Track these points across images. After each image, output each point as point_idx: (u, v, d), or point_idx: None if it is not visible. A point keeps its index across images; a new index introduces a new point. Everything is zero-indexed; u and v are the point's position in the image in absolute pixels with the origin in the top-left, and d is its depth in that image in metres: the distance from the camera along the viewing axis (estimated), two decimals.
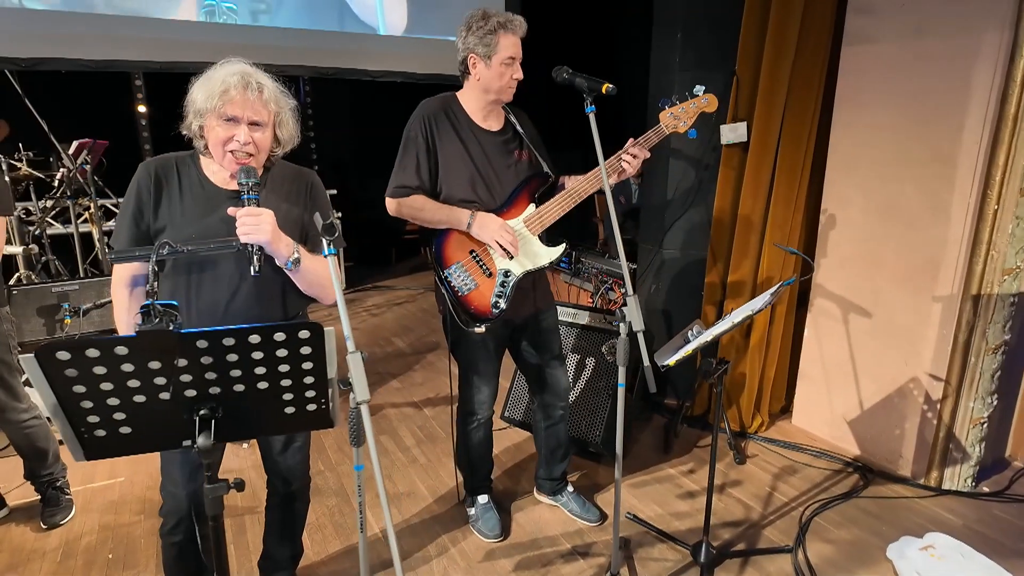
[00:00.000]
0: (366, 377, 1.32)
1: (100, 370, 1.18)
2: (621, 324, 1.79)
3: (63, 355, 1.13)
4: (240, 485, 1.34)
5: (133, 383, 1.22)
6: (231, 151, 1.49)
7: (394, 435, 3.22)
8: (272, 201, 1.60)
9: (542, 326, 2.25)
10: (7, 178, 4.06)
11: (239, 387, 1.30)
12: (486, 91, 2.01)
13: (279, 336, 1.24)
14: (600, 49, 6.49)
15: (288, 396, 1.35)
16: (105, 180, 4.86)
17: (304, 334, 1.25)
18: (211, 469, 1.31)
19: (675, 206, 3.30)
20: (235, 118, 1.48)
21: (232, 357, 1.24)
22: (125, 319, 1.62)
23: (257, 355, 1.26)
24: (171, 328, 1.12)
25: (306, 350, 1.28)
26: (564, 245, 2.12)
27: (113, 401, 1.23)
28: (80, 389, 1.19)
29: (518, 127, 2.13)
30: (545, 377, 2.32)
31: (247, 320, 1.60)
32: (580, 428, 2.86)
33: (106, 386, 1.20)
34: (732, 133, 3.00)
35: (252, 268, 1.43)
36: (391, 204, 2.04)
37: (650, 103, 3.35)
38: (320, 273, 1.65)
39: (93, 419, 1.25)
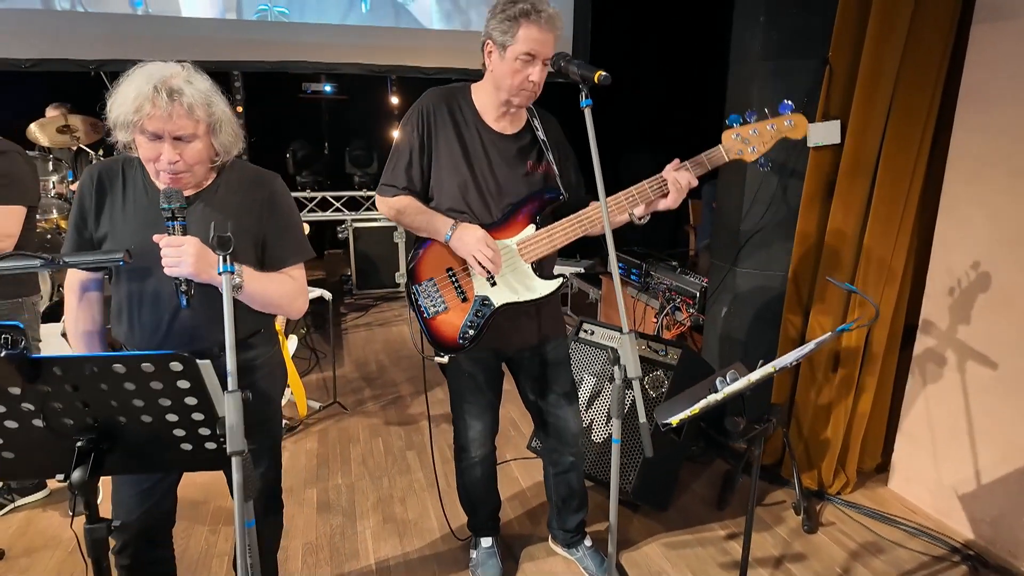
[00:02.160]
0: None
1: None
2: (615, 369, 1.45)
3: None
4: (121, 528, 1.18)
5: None
6: (162, 170, 1.35)
7: (422, 451, 3.04)
8: (217, 213, 1.45)
9: (544, 359, 1.94)
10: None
11: (121, 418, 1.14)
12: (497, 88, 1.72)
13: (147, 367, 1.07)
14: (676, 38, 5.95)
15: (179, 432, 1.18)
16: None
17: (176, 366, 1.07)
18: (89, 507, 1.16)
19: (752, 217, 2.83)
20: (157, 134, 1.32)
21: (103, 386, 1.09)
22: (71, 325, 1.54)
23: (129, 386, 1.10)
24: (2, 353, 0.98)
25: (184, 384, 1.10)
26: (561, 281, 1.79)
27: None
28: None
29: (540, 133, 1.82)
30: (548, 419, 2.00)
31: (192, 340, 1.46)
32: (610, 471, 2.50)
33: None
34: (822, 133, 2.49)
35: (181, 301, 1.27)
36: (379, 203, 1.84)
37: (728, 101, 2.90)
38: (273, 291, 1.48)
39: None
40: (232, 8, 4.64)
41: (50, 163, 4.03)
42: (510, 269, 1.74)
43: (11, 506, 2.50)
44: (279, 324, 3.19)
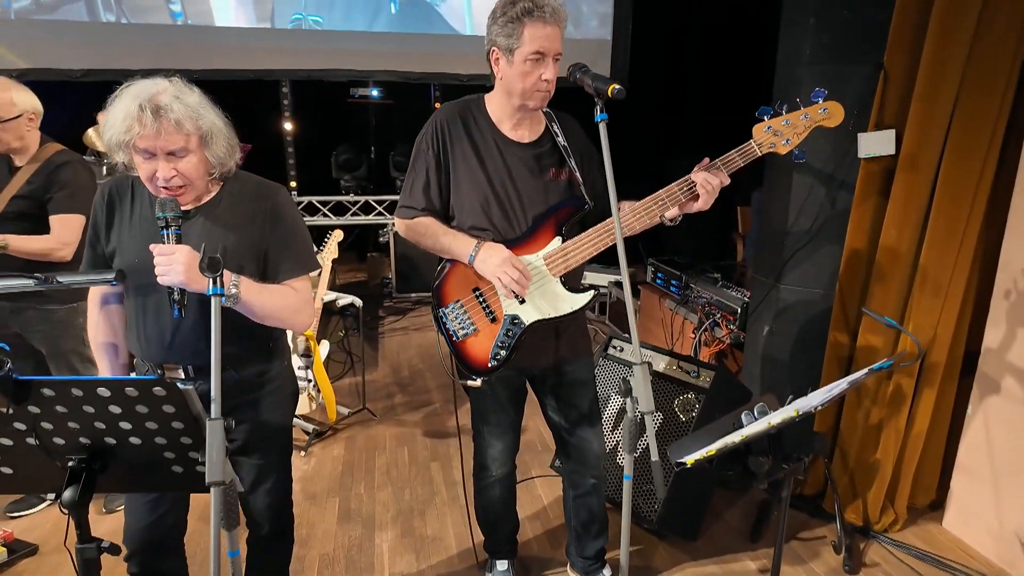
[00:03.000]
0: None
1: None
2: (628, 401, 1.35)
3: None
4: (113, 550, 1.18)
5: None
6: (162, 187, 1.35)
7: (446, 464, 3.00)
8: (217, 227, 1.44)
9: (567, 379, 1.86)
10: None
11: (110, 440, 1.14)
12: (509, 94, 1.65)
13: (131, 391, 1.05)
14: (720, 41, 5.71)
15: (169, 455, 1.17)
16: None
17: (159, 391, 1.05)
18: (80, 527, 1.16)
19: (798, 232, 2.65)
20: (149, 152, 1.32)
21: (88, 409, 1.08)
22: (92, 336, 1.57)
23: (115, 409, 1.09)
24: None
25: (169, 408, 1.08)
26: (592, 294, 1.71)
27: None
28: None
29: (560, 139, 1.73)
30: (570, 440, 1.92)
31: (195, 354, 1.46)
32: (633, 496, 2.39)
33: None
34: (875, 143, 2.31)
35: (174, 311, 1.26)
36: (398, 225, 1.79)
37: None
38: (274, 304, 1.46)
39: None
40: (265, 18, 4.75)
41: (104, 167, 4.21)
42: (538, 285, 1.67)
43: (46, 503, 2.59)
44: (310, 330, 3.22)
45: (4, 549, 2.23)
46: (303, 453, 3.09)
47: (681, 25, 5.79)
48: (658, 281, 4.29)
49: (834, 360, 2.51)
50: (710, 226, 6.17)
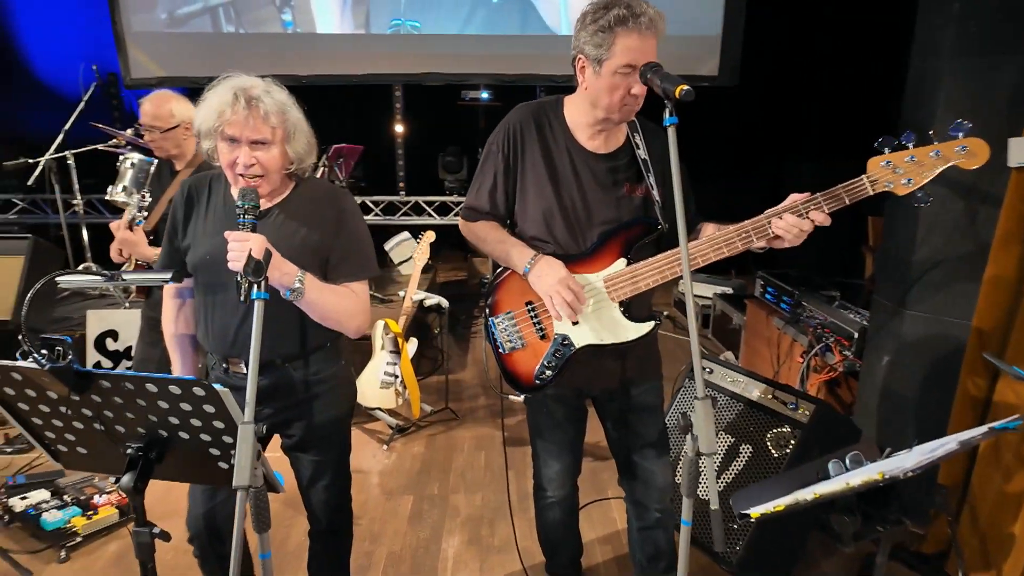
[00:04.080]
0: None
1: (31, 393, 1.17)
2: (688, 439, 1.21)
3: None
4: (164, 536, 1.23)
5: (64, 409, 1.19)
6: (239, 174, 1.41)
7: (521, 474, 2.92)
8: (289, 225, 1.49)
9: (632, 404, 1.72)
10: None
11: (163, 432, 1.19)
12: (593, 105, 1.54)
13: (174, 389, 1.09)
14: (847, 32, 5.10)
15: (214, 451, 1.21)
16: (366, 181, 5.60)
17: (198, 391, 1.08)
18: (137, 511, 1.23)
19: (928, 250, 2.31)
20: (235, 138, 1.38)
21: (140, 402, 1.14)
22: (170, 328, 1.68)
23: (163, 404, 1.13)
24: (46, 365, 1.04)
25: (210, 408, 1.11)
26: (652, 325, 1.56)
27: (57, 423, 1.23)
28: (23, 407, 1.21)
29: (641, 151, 1.60)
30: (634, 470, 1.78)
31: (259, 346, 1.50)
32: (712, 534, 2.19)
33: (44, 408, 1.20)
34: None
35: (240, 297, 1.31)
36: (461, 227, 1.74)
37: (905, 104, 2.40)
38: (333, 304, 1.48)
39: (50, 435, 1.27)
40: (362, 24, 4.94)
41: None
42: (594, 308, 1.56)
43: None
44: (398, 326, 3.30)
45: (116, 511, 2.47)
46: (385, 447, 3.17)
47: (802, 15, 5.29)
48: (767, 296, 3.95)
49: (966, 405, 2.15)
50: (835, 237, 5.59)
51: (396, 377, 3.24)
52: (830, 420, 2.19)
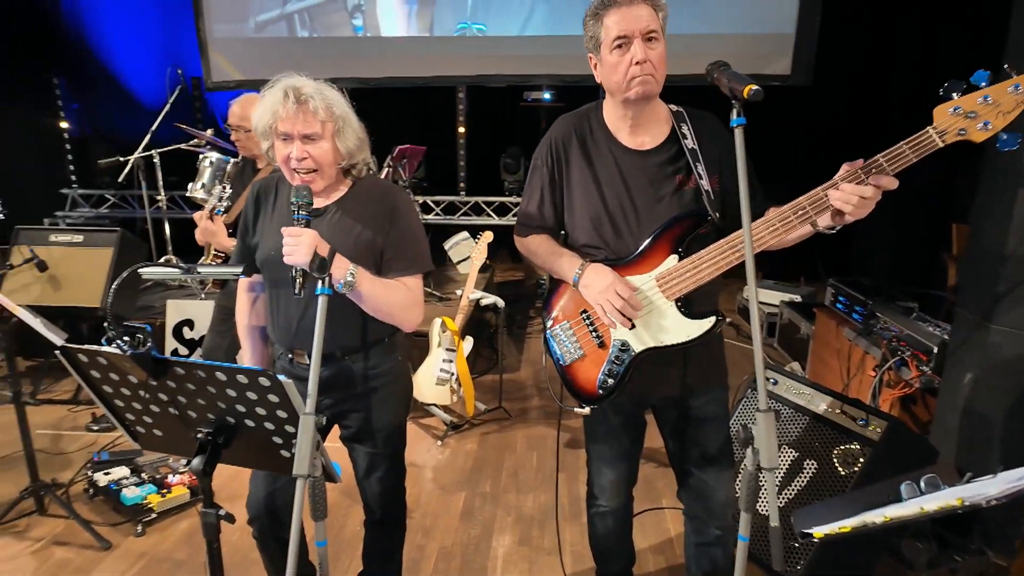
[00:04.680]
0: None
1: (115, 376, 1.25)
2: (748, 453, 1.16)
3: (82, 356, 1.23)
4: (228, 518, 1.29)
5: (143, 393, 1.27)
6: (294, 169, 1.46)
7: (573, 477, 2.91)
8: (344, 222, 1.54)
9: (693, 414, 1.66)
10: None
11: (230, 419, 1.25)
12: (612, 94, 1.53)
13: (241, 378, 1.14)
14: (933, 24, 4.74)
15: (277, 439, 1.25)
16: (428, 181, 5.70)
17: (264, 381, 1.12)
18: (204, 493, 1.29)
19: (1020, 258, 2.14)
20: (287, 135, 1.44)
21: (211, 389, 1.19)
22: (243, 320, 1.76)
23: (231, 392, 1.19)
24: (128, 351, 1.11)
25: (273, 398, 1.16)
26: (714, 320, 1.50)
27: (137, 405, 1.31)
28: (108, 388, 1.29)
29: (688, 141, 1.54)
30: (692, 482, 1.72)
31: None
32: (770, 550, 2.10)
33: (125, 391, 1.28)
34: None
35: (294, 288, 1.36)
36: (516, 242, 1.75)
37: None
38: (384, 299, 1.52)
39: (130, 416, 1.35)
40: (426, 28, 5.03)
41: None
42: (650, 309, 1.53)
43: None
44: (456, 324, 3.34)
45: (187, 491, 2.61)
46: (440, 443, 3.21)
47: (883, 12, 5.00)
48: (838, 305, 3.76)
49: None
50: (913, 245, 5.29)
51: (452, 375, 3.28)
52: (904, 439, 2.06)
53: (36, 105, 5.64)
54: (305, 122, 1.43)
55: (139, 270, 1.44)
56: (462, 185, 5.84)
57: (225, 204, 2.47)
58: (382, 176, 5.38)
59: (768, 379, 2.41)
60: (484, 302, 3.63)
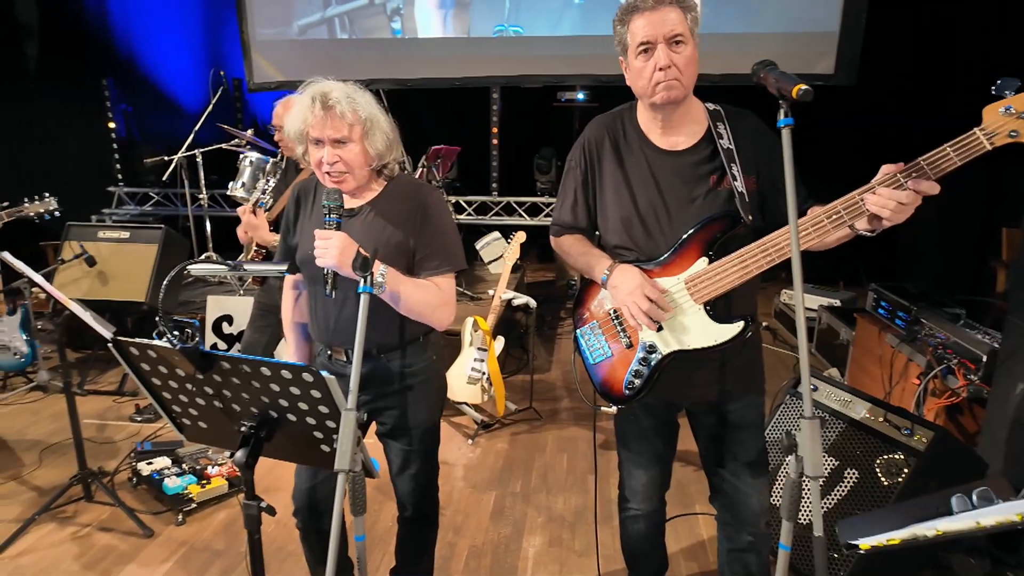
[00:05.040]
0: None
1: (163, 369, 1.29)
2: (791, 460, 1.14)
3: (133, 349, 1.27)
4: (270, 510, 1.32)
5: (190, 386, 1.30)
6: (325, 172, 1.48)
7: (604, 480, 2.86)
8: (376, 222, 1.56)
9: (728, 420, 1.64)
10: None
11: (273, 413, 1.27)
12: (640, 98, 1.53)
13: (286, 374, 1.16)
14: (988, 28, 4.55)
15: (318, 434, 1.28)
16: (461, 181, 5.74)
17: (307, 377, 1.14)
18: (247, 485, 1.32)
19: None
20: (318, 139, 1.46)
21: (255, 384, 1.22)
22: (287, 317, 1.80)
23: (275, 387, 1.21)
24: (177, 346, 1.14)
25: (316, 393, 1.18)
26: (741, 326, 1.47)
27: (183, 398, 1.35)
28: (156, 381, 1.33)
29: (724, 141, 1.51)
30: (725, 488, 1.70)
31: (353, 339, 1.58)
32: (813, 563, 2.06)
33: (173, 383, 1.32)
34: None
35: (325, 289, 1.38)
36: (552, 242, 1.76)
37: None
38: (416, 297, 1.53)
39: (176, 408, 1.39)
40: (463, 31, 5.06)
41: None
42: (679, 312, 1.51)
43: None
44: (487, 324, 3.35)
45: (226, 482, 2.67)
46: (470, 441, 3.23)
47: (934, 7, 4.84)
48: (880, 311, 3.65)
49: None
50: (961, 250, 5.10)
51: (483, 374, 3.29)
52: (951, 450, 2.00)
53: (87, 107, 5.86)
54: (333, 127, 1.45)
55: (188, 267, 1.49)
56: (494, 185, 5.86)
57: (268, 199, 2.54)
58: (416, 176, 5.44)
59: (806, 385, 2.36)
60: (516, 302, 3.64)
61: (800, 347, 1.13)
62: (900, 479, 1.98)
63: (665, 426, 1.73)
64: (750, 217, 1.47)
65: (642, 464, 1.75)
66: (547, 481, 2.88)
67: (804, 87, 1.11)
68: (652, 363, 1.54)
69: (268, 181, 2.62)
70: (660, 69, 1.41)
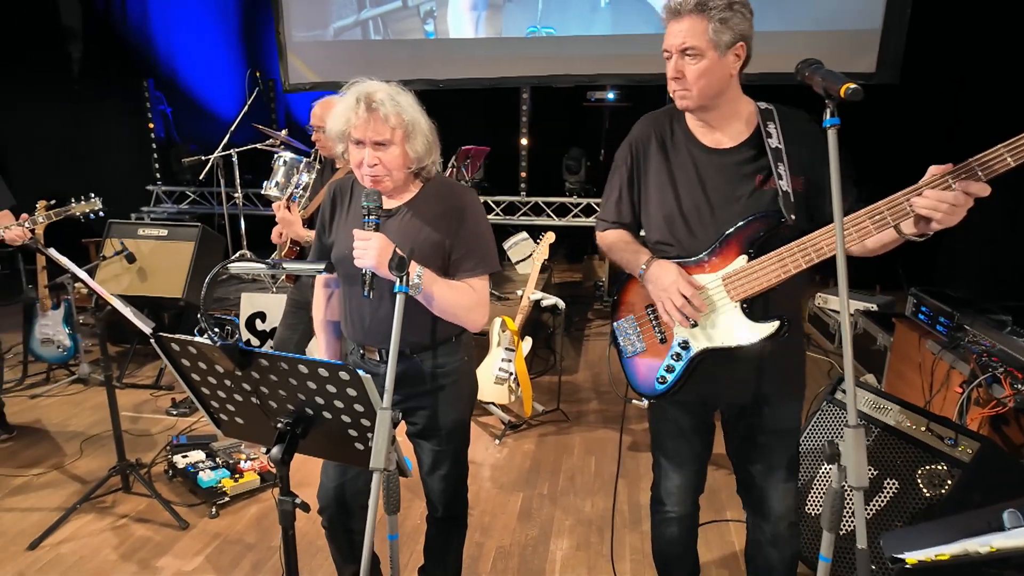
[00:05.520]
0: None
1: (203, 365, 1.31)
2: (832, 469, 1.10)
3: (174, 345, 1.30)
4: (304, 507, 1.33)
5: (228, 382, 1.32)
6: (365, 173, 1.49)
7: (633, 483, 2.86)
8: (413, 223, 1.56)
9: (765, 425, 1.60)
10: None
11: (309, 410, 1.28)
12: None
13: (323, 372, 1.17)
14: None
15: (352, 432, 1.29)
16: (490, 181, 5.75)
17: (344, 375, 1.15)
18: (282, 480, 1.33)
19: None
20: (359, 140, 1.47)
21: (292, 381, 1.23)
22: (319, 315, 1.81)
23: (312, 385, 1.22)
24: (217, 342, 1.16)
25: (352, 392, 1.19)
26: (776, 326, 1.44)
27: (221, 394, 1.37)
28: (195, 376, 1.35)
29: (773, 140, 1.49)
30: (751, 488, 1.68)
31: (386, 338, 1.57)
32: (852, 574, 2.01)
33: (212, 379, 1.34)
34: None
35: (362, 290, 1.39)
36: (597, 237, 1.77)
37: None
38: (450, 298, 1.53)
39: (214, 403, 1.41)
40: (496, 33, 5.09)
41: None
42: (713, 309, 1.49)
43: None
44: (515, 324, 3.35)
45: (258, 477, 2.72)
46: (497, 441, 3.23)
47: (977, 6, 4.67)
48: (920, 316, 3.54)
49: None
50: (1006, 255, 4.92)
51: (510, 374, 3.29)
52: (997, 462, 1.92)
53: (128, 107, 6.03)
54: (375, 129, 1.45)
55: (227, 265, 1.52)
56: (523, 185, 5.85)
57: (301, 193, 2.58)
58: (446, 175, 5.44)
59: (846, 391, 2.30)
60: (545, 303, 3.62)
61: (845, 353, 1.10)
62: (943, 491, 1.91)
63: (702, 427, 1.70)
64: (793, 216, 1.44)
65: (677, 465, 1.73)
66: (575, 483, 2.86)
67: (853, 86, 1.08)
68: (685, 359, 1.53)
69: (300, 177, 2.65)
70: (672, 78, 1.44)
